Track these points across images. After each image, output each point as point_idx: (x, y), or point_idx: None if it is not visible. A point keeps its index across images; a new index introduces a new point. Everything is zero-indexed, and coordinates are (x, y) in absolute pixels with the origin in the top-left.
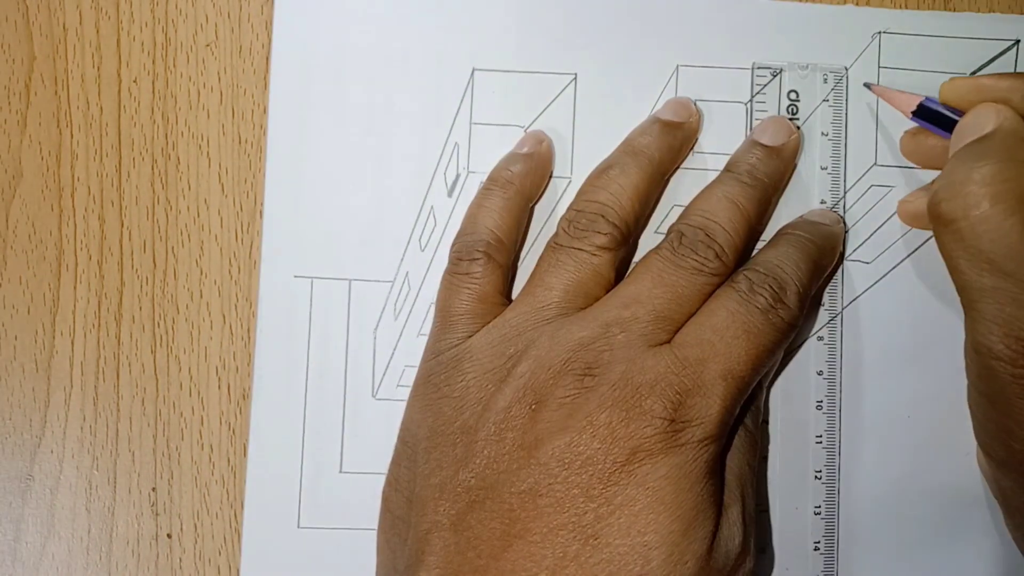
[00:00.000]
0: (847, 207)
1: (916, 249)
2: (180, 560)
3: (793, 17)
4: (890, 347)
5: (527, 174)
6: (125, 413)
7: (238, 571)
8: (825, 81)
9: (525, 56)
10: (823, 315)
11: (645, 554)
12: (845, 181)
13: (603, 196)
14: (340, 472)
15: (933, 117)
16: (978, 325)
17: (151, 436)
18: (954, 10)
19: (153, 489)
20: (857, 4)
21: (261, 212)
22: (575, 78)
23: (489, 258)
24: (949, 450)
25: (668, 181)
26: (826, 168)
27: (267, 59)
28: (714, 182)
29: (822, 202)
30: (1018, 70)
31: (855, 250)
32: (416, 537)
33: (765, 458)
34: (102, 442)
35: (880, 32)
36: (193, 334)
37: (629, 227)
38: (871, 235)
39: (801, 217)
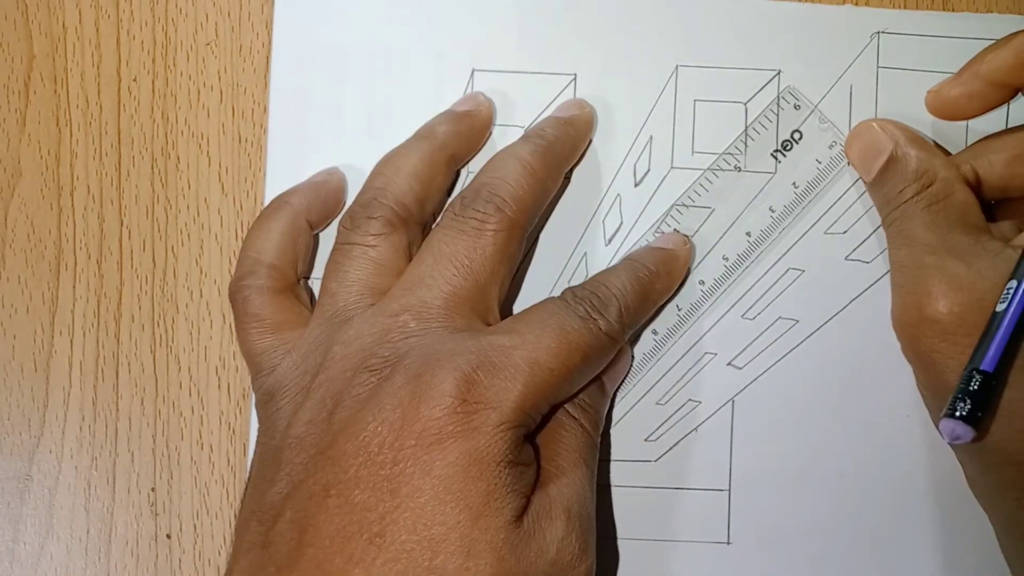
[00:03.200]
0: (849, 204)
1: None
2: (180, 560)
3: (793, 17)
4: (890, 346)
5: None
6: (124, 413)
7: None
8: (830, 147)
9: (525, 56)
10: (821, 313)
11: (432, 548)
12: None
13: (377, 181)
14: None
15: None
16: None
17: (150, 436)
18: (953, 10)
19: (152, 489)
20: (856, 4)
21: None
22: (575, 78)
23: (265, 289)
24: (949, 449)
25: (666, 184)
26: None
27: (267, 58)
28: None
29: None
30: None
31: (855, 249)
32: (230, 565)
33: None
34: (101, 442)
35: (879, 32)
36: (193, 334)
37: (407, 207)
38: (871, 235)
39: (647, 244)
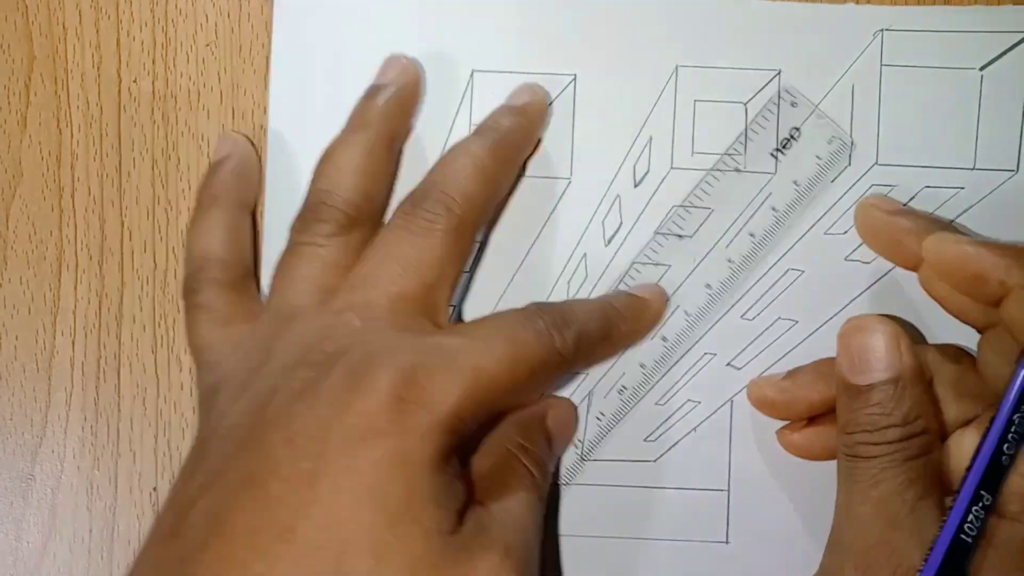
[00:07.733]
0: (849, 204)
1: None
2: None
3: (793, 17)
4: None
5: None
6: (126, 413)
7: None
8: (829, 143)
9: (525, 56)
10: (821, 313)
11: (341, 548)
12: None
13: (322, 183)
14: None
15: None
16: None
17: (152, 436)
18: (960, 3)
19: (154, 489)
20: (858, 3)
21: (261, 212)
22: (575, 78)
23: (217, 283)
24: None
25: (659, 178)
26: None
27: (267, 59)
28: None
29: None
30: None
31: (855, 250)
32: (137, 555)
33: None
34: (103, 442)
35: (882, 30)
36: None
37: (356, 206)
38: None
39: (627, 289)
